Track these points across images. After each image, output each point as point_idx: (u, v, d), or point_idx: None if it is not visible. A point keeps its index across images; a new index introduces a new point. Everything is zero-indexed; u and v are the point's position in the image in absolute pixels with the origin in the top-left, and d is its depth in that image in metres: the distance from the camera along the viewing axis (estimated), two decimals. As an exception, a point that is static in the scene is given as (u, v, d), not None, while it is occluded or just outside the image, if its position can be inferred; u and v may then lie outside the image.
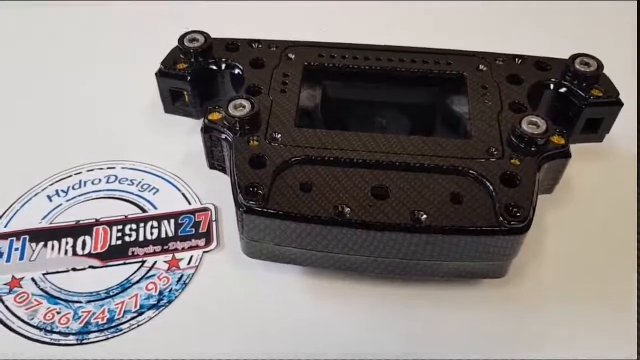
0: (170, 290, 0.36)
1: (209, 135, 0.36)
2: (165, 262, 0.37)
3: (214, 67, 0.40)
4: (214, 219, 0.39)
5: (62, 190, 0.41)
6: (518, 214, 0.31)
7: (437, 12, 0.53)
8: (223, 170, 0.38)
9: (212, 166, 0.38)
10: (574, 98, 0.38)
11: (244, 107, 0.35)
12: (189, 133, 0.43)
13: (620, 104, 0.38)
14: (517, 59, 0.40)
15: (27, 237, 0.38)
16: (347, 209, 0.31)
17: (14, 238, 0.38)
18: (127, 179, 0.42)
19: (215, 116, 0.36)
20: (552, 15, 0.54)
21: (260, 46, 0.40)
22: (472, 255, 0.32)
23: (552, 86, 0.38)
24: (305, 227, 0.32)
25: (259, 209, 0.32)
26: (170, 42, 0.40)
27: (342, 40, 0.41)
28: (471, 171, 0.33)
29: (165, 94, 0.40)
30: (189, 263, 0.37)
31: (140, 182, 0.41)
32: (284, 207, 0.31)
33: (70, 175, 0.42)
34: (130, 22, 0.53)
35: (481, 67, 0.39)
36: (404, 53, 0.40)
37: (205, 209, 0.40)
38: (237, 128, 0.34)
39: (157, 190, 0.41)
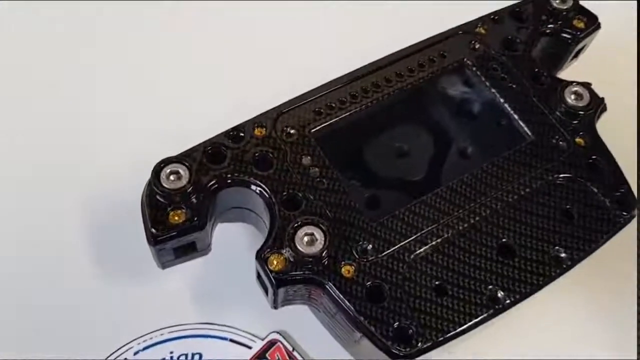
0: None
1: (285, 289, 0.28)
2: None
3: (214, 195, 0.30)
4: (290, 348, 0.32)
5: None
6: (625, 199, 0.30)
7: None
8: (293, 303, 0.30)
9: (278, 307, 0.30)
10: (565, 37, 0.36)
11: (313, 235, 0.27)
12: (190, 266, 0.33)
13: (599, 27, 0.37)
14: (493, 17, 0.36)
15: None
16: (499, 292, 0.28)
17: None
18: (153, 364, 0.32)
19: (278, 263, 0.27)
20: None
21: (242, 135, 0.30)
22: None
23: (546, 32, 0.36)
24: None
25: (419, 350, 0.26)
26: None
27: (311, 77, 0.33)
28: (561, 176, 0.31)
29: (166, 254, 0.29)
30: (308, 416, 0.31)
31: (172, 358, 0.32)
32: (444, 331, 0.27)
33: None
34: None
35: (474, 44, 0.35)
36: (394, 65, 0.33)
37: (273, 343, 0.33)
38: (323, 266, 0.27)
39: (201, 354, 0.32)
